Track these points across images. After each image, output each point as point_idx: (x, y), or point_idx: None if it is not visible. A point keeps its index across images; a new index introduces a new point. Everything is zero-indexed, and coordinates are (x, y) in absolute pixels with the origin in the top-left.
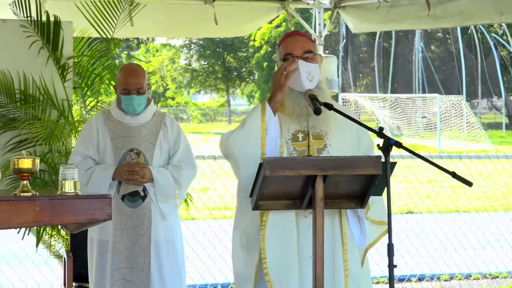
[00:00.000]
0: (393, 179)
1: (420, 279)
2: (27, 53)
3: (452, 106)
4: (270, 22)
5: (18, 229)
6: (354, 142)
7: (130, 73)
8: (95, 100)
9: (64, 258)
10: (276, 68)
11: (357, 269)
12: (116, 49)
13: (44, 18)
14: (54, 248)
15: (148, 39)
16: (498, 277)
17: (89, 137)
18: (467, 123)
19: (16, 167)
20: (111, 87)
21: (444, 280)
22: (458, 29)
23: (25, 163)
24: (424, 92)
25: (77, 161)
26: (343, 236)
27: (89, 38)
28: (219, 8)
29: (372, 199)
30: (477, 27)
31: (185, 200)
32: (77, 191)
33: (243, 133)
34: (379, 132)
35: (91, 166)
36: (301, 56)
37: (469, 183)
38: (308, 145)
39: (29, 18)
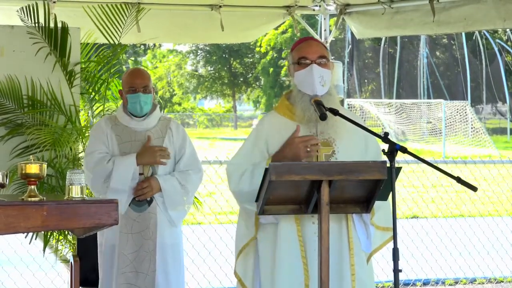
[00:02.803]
0: (398, 184)
1: (425, 283)
2: (34, 59)
3: (457, 112)
4: (276, 28)
5: (25, 233)
6: (362, 148)
7: (136, 73)
8: (102, 105)
9: (71, 262)
10: (282, 73)
11: (363, 273)
12: (123, 55)
13: (51, 25)
14: (61, 252)
15: (155, 45)
16: (503, 281)
17: (100, 138)
18: (472, 128)
19: (23, 172)
20: (118, 92)
21: (449, 285)
22: (463, 35)
23: (33, 168)
24: (429, 97)
25: (97, 157)
26: (350, 241)
27: (96, 44)
28: (226, 14)
29: (378, 204)
30: (482, 33)
31: (194, 203)
32: (84, 196)
33: (249, 192)
34: (384, 137)
35: (110, 158)
36: (315, 61)
37: (474, 188)
38: (317, 152)
39: (36, 25)
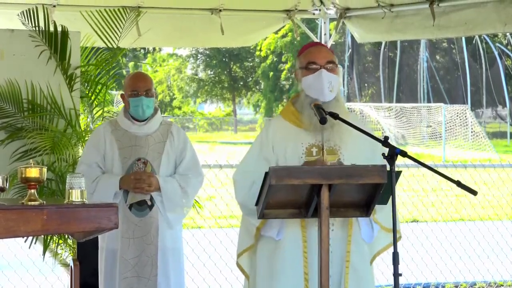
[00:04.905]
0: (398, 188)
1: (425, 287)
2: (34, 63)
3: (457, 115)
4: (276, 32)
5: (25, 237)
6: (369, 153)
7: (138, 77)
8: (102, 109)
9: (71, 266)
10: (282, 77)
11: (359, 262)
12: (122, 57)
13: (52, 28)
14: (61, 256)
15: (155, 49)
16: (503, 285)
17: (96, 145)
18: (471, 132)
19: (23, 176)
20: (118, 96)
21: None
22: (463, 39)
23: (33, 172)
24: (429, 101)
25: (82, 170)
26: (349, 227)
27: (94, 47)
28: (226, 18)
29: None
30: (482, 37)
31: (194, 207)
32: (84, 199)
33: (254, 206)
34: (384, 141)
35: (97, 175)
36: (324, 66)
37: (474, 192)
38: (323, 160)
39: (37, 28)
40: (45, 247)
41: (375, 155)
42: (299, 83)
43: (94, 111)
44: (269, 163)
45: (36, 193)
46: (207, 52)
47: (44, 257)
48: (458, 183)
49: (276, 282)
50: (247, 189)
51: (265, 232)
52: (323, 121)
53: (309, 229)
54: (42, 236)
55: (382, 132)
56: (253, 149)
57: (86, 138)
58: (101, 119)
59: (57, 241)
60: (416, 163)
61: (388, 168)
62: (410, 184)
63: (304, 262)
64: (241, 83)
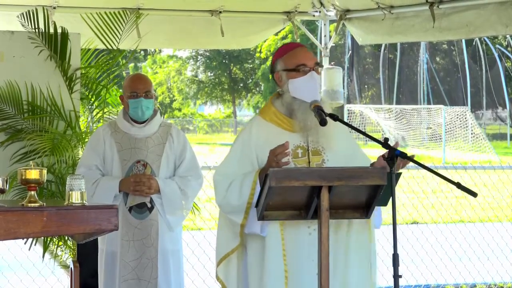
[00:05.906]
0: (398, 190)
1: None
2: (34, 65)
3: (457, 117)
4: (276, 34)
5: (25, 239)
6: (349, 158)
7: (137, 78)
8: (101, 111)
9: (71, 268)
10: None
11: (364, 242)
12: (122, 59)
13: (52, 30)
14: (61, 258)
15: (155, 50)
16: (503, 287)
17: (95, 147)
18: (472, 134)
19: (23, 177)
20: (118, 98)
21: None
22: (463, 40)
23: (33, 174)
24: (429, 103)
25: (82, 173)
26: None
27: (97, 49)
28: (226, 20)
29: None
30: (482, 38)
31: (192, 210)
32: (84, 201)
33: (239, 205)
34: (384, 143)
35: (97, 178)
36: (313, 68)
37: (474, 194)
38: (309, 161)
39: (37, 30)
40: (45, 248)
41: (355, 156)
42: (284, 85)
43: (94, 113)
44: (251, 164)
45: (36, 195)
46: (207, 53)
47: (44, 259)
48: (458, 185)
49: (262, 281)
50: (225, 189)
51: (249, 229)
52: (323, 122)
53: (287, 226)
54: (42, 237)
55: (382, 134)
56: (234, 150)
57: (86, 139)
58: (101, 120)
59: (57, 242)
60: (416, 165)
61: (388, 169)
62: (410, 186)
63: (284, 260)
64: (241, 84)
